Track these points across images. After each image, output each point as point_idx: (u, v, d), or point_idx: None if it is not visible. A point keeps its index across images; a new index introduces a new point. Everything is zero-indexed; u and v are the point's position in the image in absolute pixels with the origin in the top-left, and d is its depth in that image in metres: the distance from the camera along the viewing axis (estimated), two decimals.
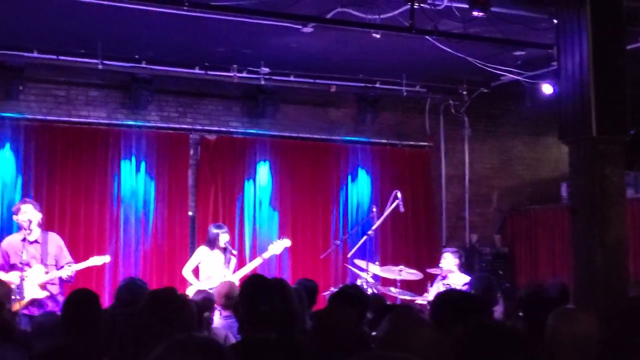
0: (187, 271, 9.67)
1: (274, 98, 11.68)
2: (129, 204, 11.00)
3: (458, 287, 9.01)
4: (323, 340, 4.23)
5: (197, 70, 11.08)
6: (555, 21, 7.92)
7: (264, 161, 11.82)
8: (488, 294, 7.66)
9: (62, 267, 8.75)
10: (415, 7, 7.98)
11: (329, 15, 8.64)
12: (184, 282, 9.89)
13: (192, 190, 11.53)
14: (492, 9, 7.96)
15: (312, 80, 11.71)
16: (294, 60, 10.93)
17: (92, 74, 10.73)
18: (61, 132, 10.79)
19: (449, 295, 4.70)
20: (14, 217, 8.93)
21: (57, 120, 10.80)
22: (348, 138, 12.48)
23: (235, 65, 10.88)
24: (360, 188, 12.42)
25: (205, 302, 6.62)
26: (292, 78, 11.56)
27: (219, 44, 10.16)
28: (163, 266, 11.06)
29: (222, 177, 11.61)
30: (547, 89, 11.06)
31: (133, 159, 11.08)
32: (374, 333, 4.54)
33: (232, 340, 6.01)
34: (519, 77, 11.05)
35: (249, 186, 11.71)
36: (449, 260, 10.08)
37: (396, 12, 8.42)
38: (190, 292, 8.85)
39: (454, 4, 8.23)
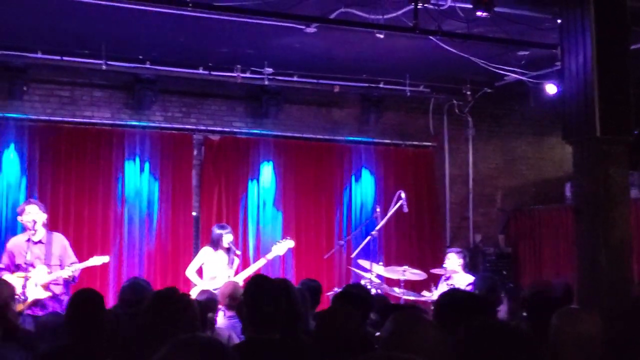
0: (191, 272, 9.68)
1: (277, 98, 11.69)
2: (133, 204, 11.01)
3: (462, 288, 9.00)
4: (327, 340, 4.23)
5: (200, 71, 11.09)
6: (559, 21, 7.93)
7: (268, 161, 11.82)
8: (492, 294, 7.65)
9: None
10: (418, 7, 7.97)
11: (332, 16, 8.65)
12: (188, 283, 9.90)
13: (195, 190, 11.53)
14: (496, 9, 7.95)
15: (315, 81, 11.72)
16: (297, 60, 10.93)
17: (96, 74, 10.75)
18: (65, 133, 10.80)
19: (452, 296, 4.69)
20: (19, 218, 8.94)
21: (61, 120, 10.81)
22: (352, 138, 12.48)
23: (238, 66, 10.89)
24: (364, 188, 12.42)
25: (209, 302, 6.62)
26: (295, 78, 11.57)
27: (222, 44, 10.17)
28: (167, 266, 11.07)
29: (225, 178, 11.62)
30: (551, 89, 11.05)
31: (137, 159, 11.09)
32: (377, 333, 4.53)
33: (236, 340, 6.01)
34: (522, 77, 11.04)
35: (252, 186, 11.72)
36: (453, 261, 10.07)
37: (400, 12, 8.41)
38: (194, 292, 8.85)
39: (458, 4, 8.22)
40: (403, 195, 10.29)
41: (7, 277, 8.38)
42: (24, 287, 8.32)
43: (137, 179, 11.08)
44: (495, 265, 12.73)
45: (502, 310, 8.17)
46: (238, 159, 11.68)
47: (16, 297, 7.04)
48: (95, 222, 10.81)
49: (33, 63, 10.41)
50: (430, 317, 4.13)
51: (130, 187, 11.02)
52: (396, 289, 9.70)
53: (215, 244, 9.60)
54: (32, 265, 8.54)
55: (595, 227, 7.16)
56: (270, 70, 11.09)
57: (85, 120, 10.98)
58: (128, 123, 11.16)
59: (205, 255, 9.64)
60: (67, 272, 8.64)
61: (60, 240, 8.93)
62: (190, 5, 7.89)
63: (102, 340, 4.65)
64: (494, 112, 13.52)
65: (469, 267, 10.47)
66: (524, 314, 5.51)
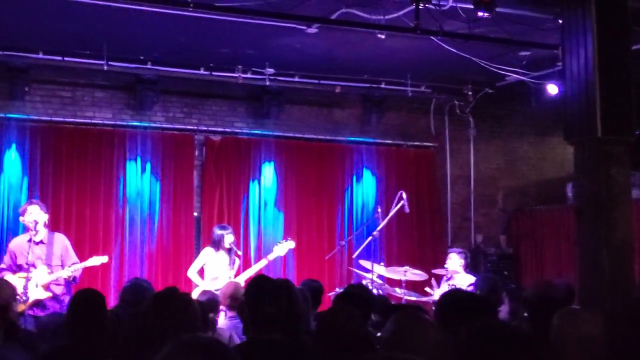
0: (192, 272, 9.69)
1: (278, 99, 11.69)
2: (134, 205, 11.02)
3: (463, 288, 9.00)
4: (328, 341, 4.23)
5: (202, 71, 11.10)
6: (560, 21, 7.92)
7: (269, 162, 11.82)
8: (493, 294, 7.65)
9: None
10: (420, 7, 7.96)
11: (333, 16, 8.65)
12: (189, 283, 9.91)
13: (197, 190, 11.54)
14: (497, 9, 7.94)
15: (316, 81, 11.72)
16: (298, 61, 10.93)
17: (98, 75, 10.77)
18: (67, 133, 10.81)
19: (453, 296, 4.69)
20: (20, 219, 8.95)
21: (62, 121, 10.82)
22: (353, 139, 12.48)
23: (240, 66, 10.90)
24: (365, 189, 12.42)
25: (210, 303, 6.62)
26: (296, 79, 11.58)
27: (223, 44, 10.17)
28: (168, 267, 11.07)
29: (227, 178, 11.62)
30: (552, 89, 11.04)
31: (138, 159, 11.09)
32: (379, 334, 4.53)
33: (237, 340, 6.01)
34: (524, 78, 11.04)
35: (253, 187, 11.72)
36: (454, 261, 10.07)
37: (401, 12, 8.41)
38: (195, 293, 8.85)
39: (459, 5, 8.22)
40: (404, 195, 10.30)
41: (9, 277, 8.41)
42: (25, 287, 8.32)
43: (139, 180, 11.08)
44: (496, 265, 12.73)
45: (504, 311, 8.16)
46: (239, 159, 11.69)
47: (17, 297, 7.06)
48: (97, 222, 10.81)
49: (34, 63, 10.42)
50: (431, 318, 4.13)
51: (131, 188, 11.02)
52: (397, 290, 9.70)
53: (217, 244, 9.60)
54: (34, 266, 8.55)
55: (597, 227, 7.16)
56: (271, 70, 11.10)
57: (86, 120, 10.98)
58: (129, 123, 11.16)
59: (207, 256, 9.64)
60: (66, 272, 8.65)
61: (61, 241, 8.94)
62: (191, 5, 7.89)
63: (103, 341, 4.65)
64: (495, 113, 13.52)
65: (470, 268, 10.46)
66: (525, 314, 5.50)
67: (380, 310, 6.08)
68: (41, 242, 8.74)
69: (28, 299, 8.34)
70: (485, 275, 9.74)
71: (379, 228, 10.41)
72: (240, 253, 10.02)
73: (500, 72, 10.70)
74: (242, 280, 9.16)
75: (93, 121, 11.02)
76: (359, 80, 11.98)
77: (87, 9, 8.41)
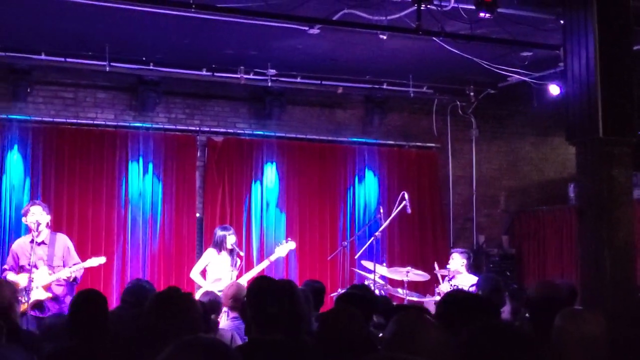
0: (195, 274, 9.68)
1: (281, 99, 11.69)
2: (136, 206, 11.02)
3: (465, 288, 9.00)
4: (330, 341, 4.22)
5: (204, 72, 11.11)
6: (562, 22, 7.91)
7: (271, 162, 11.83)
8: (495, 294, 7.65)
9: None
10: (422, 8, 7.97)
11: (335, 17, 8.65)
12: (191, 284, 9.91)
13: (199, 191, 11.55)
14: (499, 10, 7.95)
15: (319, 82, 11.73)
16: (300, 61, 10.93)
17: (100, 76, 10.78)
18: (69, 134, 10.82)
19: (455, 296, 4.69)
20: (23, 219, 8.96)
21: (64, 122, 10.83)
22: (355, 139, 12.47)
23: (242, 67, 10.91)
24: (367, 189, 12.41)
25: (213, 303, 6.62)
26: (299, 79, 11.58)
27: (225, 45, 10.17)
28: (170, 268, 11.08)
29: (229, 179, 11.63)
30: (554, 89, 11.04)
31: (140, 160, 11.10)
32: (381, 334, 4.54)
33: (239, 341, 6.01)
34: (526, 78, 11.04)
35: (256, 187, 11.72)
36: (456, 261, 10.07)
37: (403, 13, 8.42)
38: (199, 294, 8.85)
39: (461, 5, 8.22)
40: (406, 196, 10.30)
41: (12, 276, 8.45)
42: (28, 288, 8.33)
43: (141, 181, 11.09)
44: (499, 266, 12.73)
45: (506, 311, 8.16)
46: (241, 160, 11.69)
47: (19, 298, 7.07)
48: (99, 223, 10.82)
49: (37, 65, 10.44)
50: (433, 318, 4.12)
51: (133, 189, 11.04)
52: (400, 290, 9.70)
53: (219, 245, 9.60)
54: (36, 267, 8.56)
55: (599, 227, 7.15)
56: (273, 71, 11.10)
57: (88, 121, 11.00)
58: (132, 124, 11.17)
59: (210, 257, 9.64)
60: (65, 273, 8.65)
61: (63, 241, 8.95)
62: (193, 6, 7.89)
63: (105, 341, 4.65)
64: (497, 113, 13.52)
65: (472, 268, 10.45)
66: (527, 314, 5.51)
67: (382, 311, 6.08)
68: (43, 242, 8.76)
69: (29, 299, 8.35)
70: (488, 276, 9.71)
71: (381, 229, 10.42)
72: (242, 254, 10.01)
73: (502, 72, 10.70)
74: (244, 281, 9.16)
75: (95, 122, 11.04)
76: (361, 81, 11.99)
77: (89, 10, 8.42)
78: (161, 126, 11.34)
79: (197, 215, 11.45)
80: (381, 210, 10.77)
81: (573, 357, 4.05)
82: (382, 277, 10.00)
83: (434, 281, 10.30)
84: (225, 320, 7.05)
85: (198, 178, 11.54)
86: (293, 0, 7.95)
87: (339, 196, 12.25)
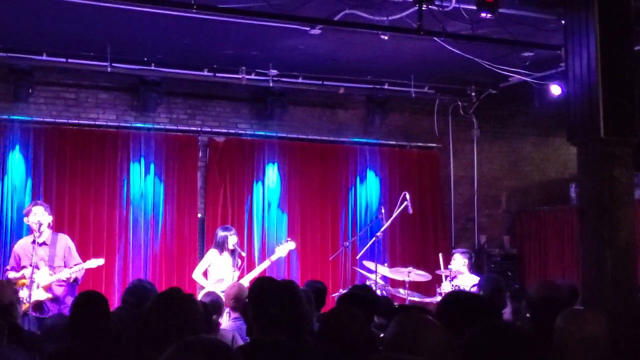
0: (197, 274, 9.68)
1: (282, 100, 11.69)
2: (138, 206, 11.03)
3: (467, 288, 9.00)
4: (331, 342, 4.22)
5: (205, 73, 11.11)
6: (563, 22, 7.92)
7: (273, 163, 11.83)
8: (497, 294, 7.65)
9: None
10: (423, 8, 7.97)
11: (337, 17, 8.65)
12: (193, 284, 9.92)
13: (201, 192, 11.55)
14: (500, 10, 7.95)
15: (320, 82, 11.73)
16: (302, 62, 10.93)
17: (101, 76, 10.79)
18: (70, 135, 10.83)
19: (456, 296, 4.69)
20: (25, 219, 8.98)
21: (66, 122, 10.84)
22: (357, 139, 12.48)
23: (243, 67, 10.91)
24: (369, 189, 12.42)
25: (214, 304, 6.63)
26: (300, 80, 11.58)
27: (227, 46, 10.18)
28: (172, 268, 11.08)
29: (230, 179, 11.63)
30: (555, 90, 11.04)
31: (142, 161, 11.10)
32: (382, 335, 4.54)
33: (240, 342, 6.01)
34: (527, 78, 11.03)
35: (257, 188, 11.72)
36: (458, 261, 10.06)
37: (404, 13, 8.42)
38: (201, 295, 8.85)
39: (462, 6, 8.22)
40: (408, 196, 10.30)
41: (13, 276, 8.47)
42: (29, 288, 8.33)
43: (142, 181, 11.09)
44: (500, 266, 12.74)
45: (507, 312, 8.16)
46: (243, 160, 11.70)
47: (20, 298, 7.09)
48: (101, 224, 10.82)
49: (38, 65, 10.44)
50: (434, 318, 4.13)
51: (135, 189, 11.04)
52: (401, 290, 9.70)
53: (220, 246, 9.60)
54: (37, 267, 8.57)
55: (600, 228, 7.16)
56: (275, 71, 11.10)
57: (90, 122, 11.00)
58: (133, 125, 11.18)
59: (212, 258, 9.64)
60: (65, 274, 8.66)
61: (64, 242, 8.96)
62: (194, 7, 7.89)
63: (106, 342, 4.66)
64: (498, 113, 13.53)
65: (474, 268, 10.45)
66: (528, 315, 5.51)
67: (384, 312, 6.08)
68: (44, 243, 8.77)
69: (30, 299, 8.36)
70: (489, 276, 9.72)
71: (382, 229, 10.42)
72: (244, 254, 10.01)
73: (504, 73, 10.70)
74: (246, 281, 9.16)
75: (97, 123, 11.04)
76: (362, 81, 11.99)
77: (90, 11, 8.43)
78: (162, 127, 11.34)
79: (199, 215, 11.46)
80: (382, 211, 10.76)
81: (574, 357, 4.05)
82: (384, 278, 10.00)
83: (436, 281, 10.29)
84: (226, 321, 7.05)
85: (199, 178, 11.54)
86: (294, 0, 7.95)
87: (341, 196, 12.25)
